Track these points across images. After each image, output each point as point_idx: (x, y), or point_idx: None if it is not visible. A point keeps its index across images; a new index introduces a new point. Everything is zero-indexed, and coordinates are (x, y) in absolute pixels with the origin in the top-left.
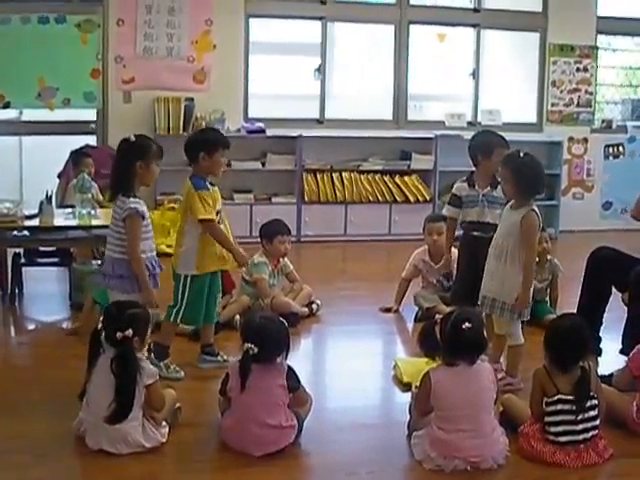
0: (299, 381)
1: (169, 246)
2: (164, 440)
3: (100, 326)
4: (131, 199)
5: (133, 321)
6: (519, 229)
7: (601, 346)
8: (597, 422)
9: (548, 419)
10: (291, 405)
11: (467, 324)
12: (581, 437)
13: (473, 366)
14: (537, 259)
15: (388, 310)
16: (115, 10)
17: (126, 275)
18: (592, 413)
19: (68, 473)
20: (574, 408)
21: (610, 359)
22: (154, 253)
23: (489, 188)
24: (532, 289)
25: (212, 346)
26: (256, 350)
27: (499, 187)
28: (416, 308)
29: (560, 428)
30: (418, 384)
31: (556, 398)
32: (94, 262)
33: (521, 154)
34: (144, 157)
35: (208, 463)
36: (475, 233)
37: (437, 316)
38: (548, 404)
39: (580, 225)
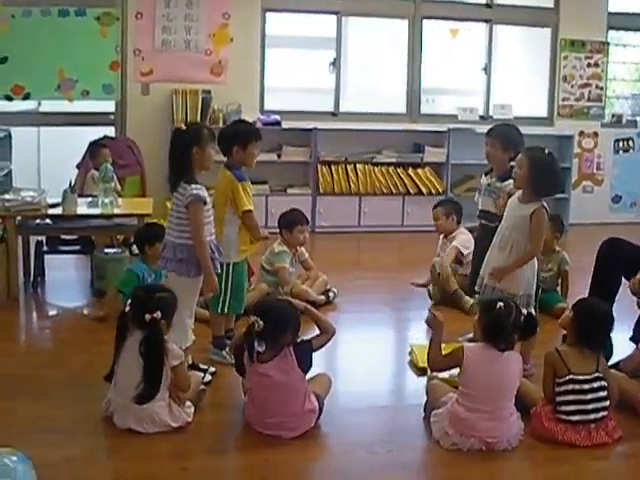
0: (309, 349)
1: None
2: (190, 420)
3: (128, 309)
4: (192, 185)
5: (161, 304)
6: (527, 223)
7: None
8: (607, 403)
9: (560, 399)
10: (310, 386)
11: (500, 305)
12: (592, 417)
13: (506, 352)
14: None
15: (423, 285)
16: (134, 3)
17: (186, 259)
18: (602, 394)
19: (99, 451)
20: (585, 388)
21: (619, 348)
22: (213, 237)
23: (495, 178)
24: (534, 279)
25: (222, 338)
26: (261, 324)
27: (507, 181)
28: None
29: (572, 407)
30: (447, 351)
31: (567, 378)
32: (114, 250)
33: (546, 151)
34: (199, 142)
35: (232, 442)
36: (483, 221)
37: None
38: (560, 384)
39: (590, 218)
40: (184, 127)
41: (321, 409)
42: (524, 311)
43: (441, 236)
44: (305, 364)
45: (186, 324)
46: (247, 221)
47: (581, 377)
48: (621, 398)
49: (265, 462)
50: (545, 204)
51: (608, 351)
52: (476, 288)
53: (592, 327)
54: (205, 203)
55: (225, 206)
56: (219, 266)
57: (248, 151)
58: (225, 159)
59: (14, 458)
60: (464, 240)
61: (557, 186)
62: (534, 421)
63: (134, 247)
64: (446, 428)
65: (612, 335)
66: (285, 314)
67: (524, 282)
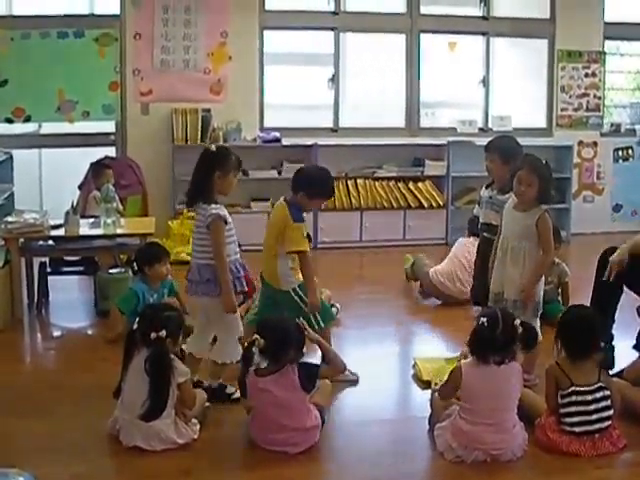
0: (315, 373)
1: (189, 254)
2: (195, 437)
3: (136, 327)
4: (212, 205)
5: (167, 323)
6: (534, 230)
7: (613, 343)
8: (610, 412)
9: (563, 410)
10: (312, 399)
11: (483, 320)
12: (596, 427)
13: (505, 364)
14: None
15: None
16: (132, 24)
17: (212, 279)
18: (605, 403)
19: (106, 468)
20: (588, 399)
21: (622, 356)
22: (238, 256)
23: (496, 191)
24: (542, 289)
25: None
26: (262, 342)
27: (509, 194)
28: None
29: (575, 419)
30: (446, 377)
31: (570, 390)
32: (117, 270)
33: (544, 161)
34: (223, 167)
35: (238, 459)
36: (485, 234)
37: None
38: (563, 396)
39: (591, 228)
40: (213, 148)
41: (324, 421)
42: (517, 321)
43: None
44: (308, 386)
45: (236, 340)
46: (303, 261)
47: (584, 388)
48: (625, 406)
49: (271, 477)
50: (547, 209)
51: (610, 361)
52: (490, 303)
53: (577, 335)
54: (226, 222)
55: (276, 242)
56: (245, 284)
57: (313, 202)
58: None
59: (21, 479)
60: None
61: (555, 192)
62: (538, 432)
63: (134, 265)
64: (450, 441)
65: (614, 344)
66: (287, 333)
67: (538, 289)
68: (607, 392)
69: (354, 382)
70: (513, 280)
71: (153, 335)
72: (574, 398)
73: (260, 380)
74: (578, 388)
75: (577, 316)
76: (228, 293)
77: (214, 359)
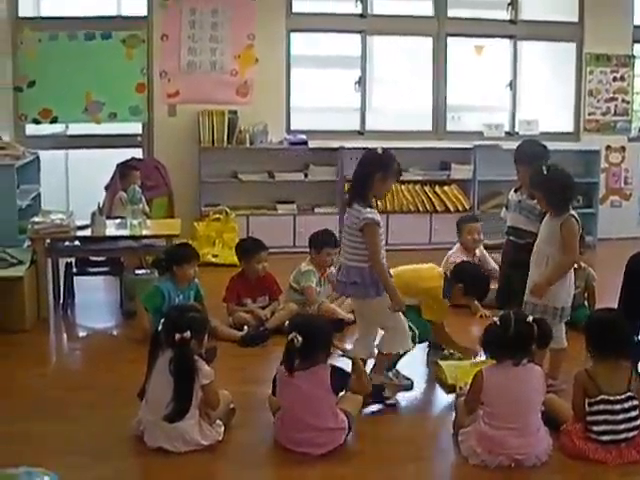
0: (346, 379)
1: (215, 256)
2: (220, 438)
3: (161, 328)
4: (367, 209)
5: (192, 324)
6: (559, 235)
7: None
8: (638, 422)
9: (591, 418)
10: (352, 390)
11: (494, 320)
12: (622, 436)
13: (525, 367)
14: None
15: None
16: (159, 25)
17: (360, 282)
18: (633, 413)
19: (130, 471)
20: (617, 408)
21: None
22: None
23: (525, 195)
24: (572, 291)
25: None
26: (300, 340)
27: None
28: None
29: (602, 427)
30: (469, 382)
31: (599, 399)
32: (143, 271)
33: (544, 170)
34: (385, 170)
35: (262, 461)
36: (511, 238)
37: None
38: (591, 404)
39: (618, 233)
40: (380, 150)
41: (350, 427)
42: (529, 318)
43: (453, 253)
44: (337, 388)
45: (406, 330)
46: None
47: (613, 397)
48: None
49: (297, 478)
50: (574, 213)
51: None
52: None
53: (607, 337)
54: (379, 226)
55: None
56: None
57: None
58: None
59: (46, 478)
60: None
61: (570, 191)
62: (564, 439)
63: (162, 263)
64: (474, 446)
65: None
66: (322, 331)
67: (564, 295)
68: (636, 402)
69: (408, 387)
70: (533, 282)
71: (177, 336)
72: (602, 407)
73: (290, 377)
74: (607, 397)
75: (603, 318)
76: (394, 292)
77: (382, 350)
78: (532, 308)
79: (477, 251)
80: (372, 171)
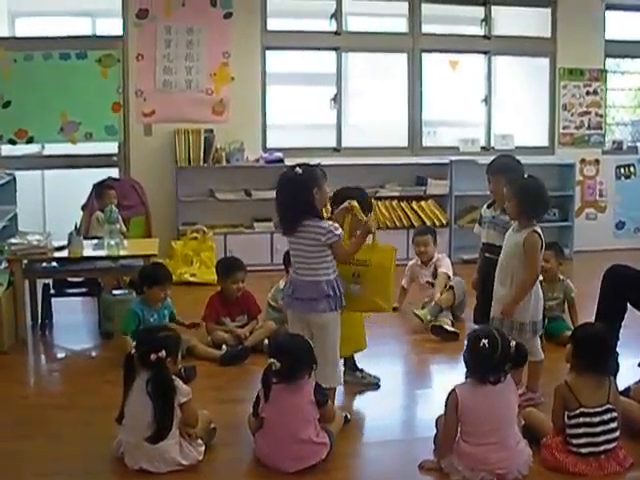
0: (326, 396)
1: (192, 275)
2: (200, 458)
3: (134, 350)
4: (329, 222)
5: (165, 343)
6: (521, 250)
7: (618, 361)
8: (617, 434)
9: (570, 431)
10: (321, 420)
11: (484, 342)
12: (602, 448)
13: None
14: (542, 277)
15: (394, 309)
16: (135, 45)
17: (317, 297)
18: (612, 425)
19: None
20: (595, 421)
21: (627, 374)
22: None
23: (499, 211)
24: (541, 304)
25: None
26: (278, 365)
27: None
28: None
29: (582, 440)
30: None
31: (578, 412)
32: (121, 291)
33: (525, 176)
34: (318, 183)
35: (244, 478)
36: (486, 254)
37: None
38: (570, 417)
39: (594, 245)
40: (300, 170)
41: (332, 445)
42: (512, 343)
43: (412, 263)
44: (320, 401)
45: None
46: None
47: (592, 410)
48: (631, 424)
49: None
50: (538, 229)
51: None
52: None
53: (595, 352)
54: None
55: None
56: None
57: None
58: None
59: None
60: (448, 264)
61: (543, 204)
62: (545, 452)
63: (137, 283)
64: (455, 464)
65: (619, 362)
66: (300, 352)
67: (530, 309)
68: (615, 414)
69: (376, 386)
70: (497, 299)
71: (153, 357)
72: (582, 420)
73: (274, 387)
74: (586, 410)
75: (594, 334)
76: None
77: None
78: (499, 324)
79: (431, 261)
80: (309, 190)
